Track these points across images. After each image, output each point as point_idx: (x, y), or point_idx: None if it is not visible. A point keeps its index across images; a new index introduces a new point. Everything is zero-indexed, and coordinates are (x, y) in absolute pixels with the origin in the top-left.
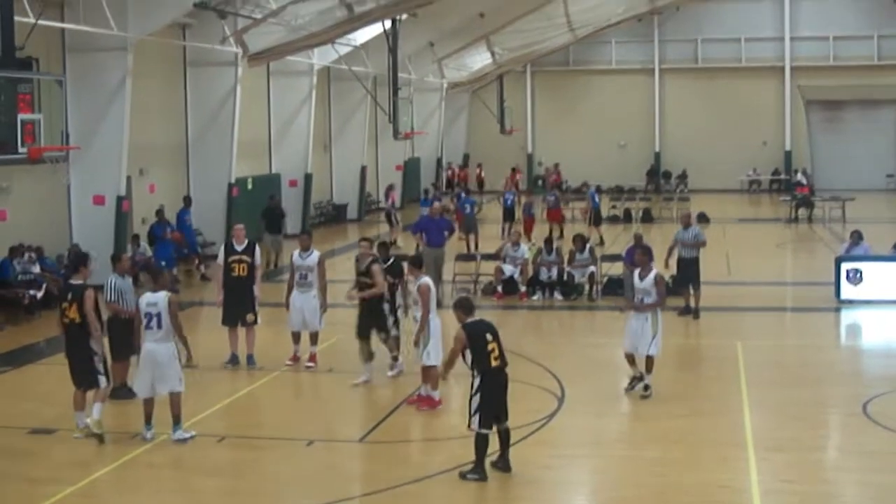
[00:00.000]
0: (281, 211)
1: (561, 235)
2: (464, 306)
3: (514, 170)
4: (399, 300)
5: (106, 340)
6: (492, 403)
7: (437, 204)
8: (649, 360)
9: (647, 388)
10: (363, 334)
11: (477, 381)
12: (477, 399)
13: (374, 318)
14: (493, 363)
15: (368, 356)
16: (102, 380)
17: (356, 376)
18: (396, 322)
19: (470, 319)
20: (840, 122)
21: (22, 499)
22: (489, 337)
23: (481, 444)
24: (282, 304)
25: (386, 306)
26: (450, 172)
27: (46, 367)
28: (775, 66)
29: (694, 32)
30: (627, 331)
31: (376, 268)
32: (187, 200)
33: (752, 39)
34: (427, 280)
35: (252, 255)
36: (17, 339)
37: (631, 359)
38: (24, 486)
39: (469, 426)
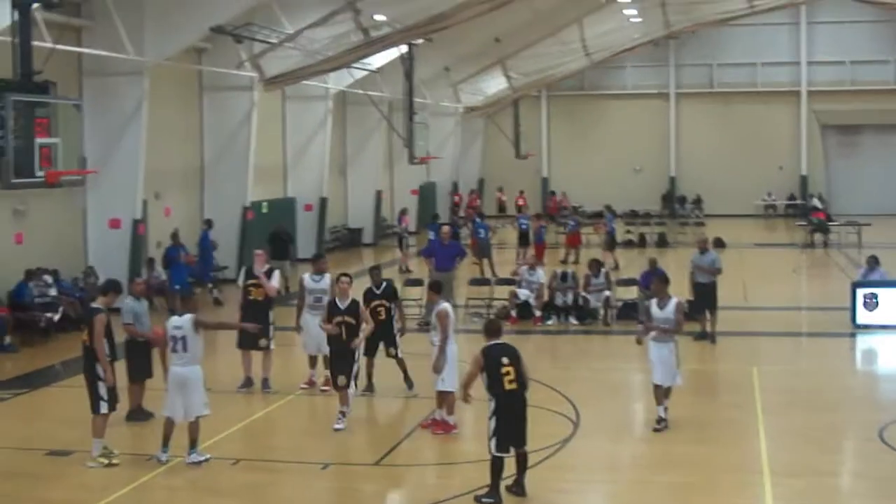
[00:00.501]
0: (288, 236)
1: (577, 261)
2: (487, 329)
3: (521, 192)
4: (396, 325)
5: (123, 363)
6: (508, 427)
7: (445, 228)
8: (669, 389)
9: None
10: (338, 377)
11: (492, 405)
12: (493, 422)
13: (382, 336)
14: (508, 386)
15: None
16: (103, 406)
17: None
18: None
19: (491, 342)
20: (856, 146)
21: None
22: (505, 360)
23: (497, 467)
24: (296, 329)
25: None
26: (457, 198)
27: (62, 390)
28: (791, 91)
29: (710, 57)
30: (654, 362)
31: (364, 309)
32: (209, 222)
33: (768, 64)
34: (446, 305)
35: (270, 279)
36: (34, 361)
37: (660, 391)
38: None
39: (489, 450)
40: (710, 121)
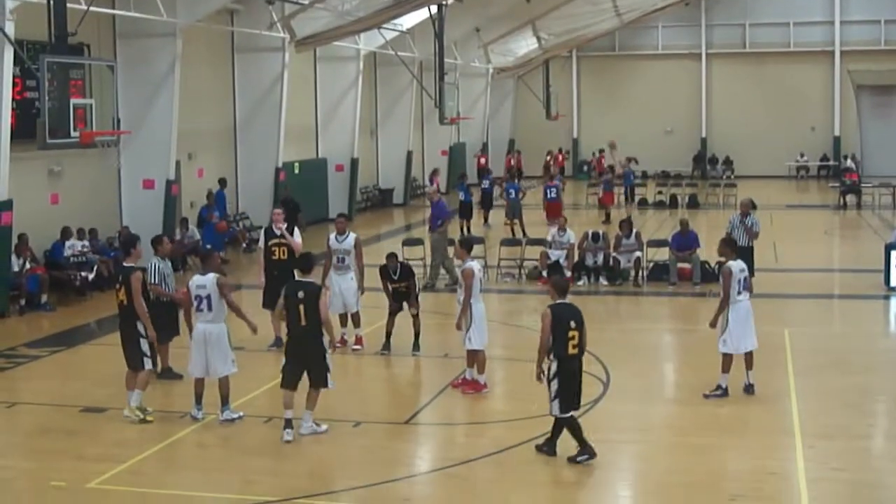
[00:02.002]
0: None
1: (607, 220)
2: (558, 286)
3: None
4: (416, 307)
5: None
6: (569, 390)
7: (430, 188)
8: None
9: (715, 388)
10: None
11: (553, 367)
12: (555, 384)
13: (405, 295)
14: (571, 351)
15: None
16: (147, 362)
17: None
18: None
19: (559, 301)
20: (890, 107)
21: (74, 476)
22: (573, 324)
23: (573, 426)
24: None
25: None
26: (483, 160)
27: (97, 348)
28: (824, 51)
29: (742, 16)
30: None
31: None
32: (223, 182)
33: (801, 23)
34: (472, 264)
35: (292, 237)
36: (69, 319)
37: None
38: (75, 463)
39: (550, 412)
40: (743, 81)
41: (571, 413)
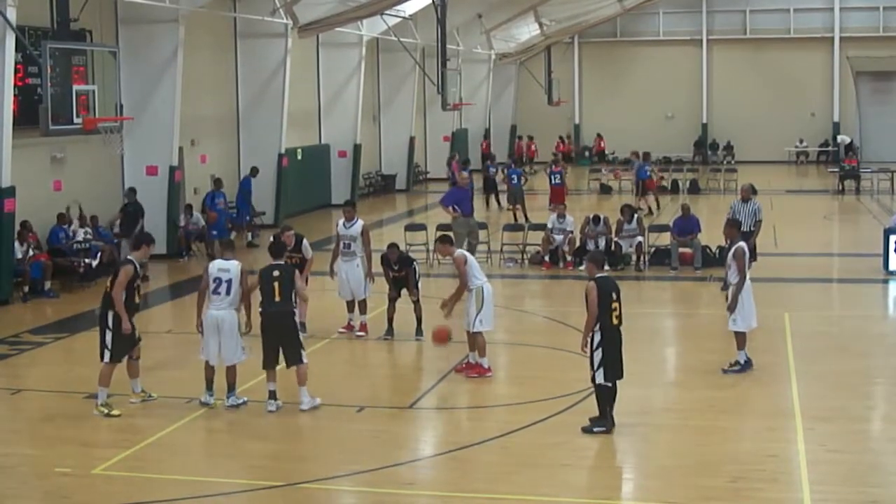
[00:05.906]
0: (138, 207)
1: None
2: (596, 260)
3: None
4: (416, 293)
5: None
6: (613, 359)
7: (464, 174)
8: (735, 334)
9: (733, 363)
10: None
11: (598, 337)
12: (599, 354)
13: (404, 282)
14: (614, 321)
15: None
16: (106, 355)
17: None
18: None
19: (599, 274)
20: (889, 93)
21: (79, 462)
22: (614, 296)
23: (605, 396)
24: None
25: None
26: (484, 145)
27: None
28: (824, 37)
29: (742, 3)
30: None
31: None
32: (254, 170)
33: (802, 10)
34: (460, 252)
35: (300, 250)
36: (73, 306)
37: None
38: (80, 449)
39: (593, 380)
40: (743, 67)
41: (612, 384)
